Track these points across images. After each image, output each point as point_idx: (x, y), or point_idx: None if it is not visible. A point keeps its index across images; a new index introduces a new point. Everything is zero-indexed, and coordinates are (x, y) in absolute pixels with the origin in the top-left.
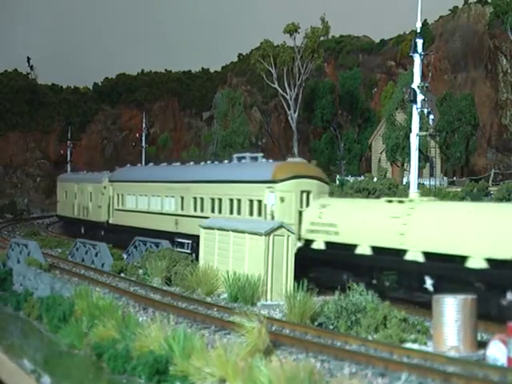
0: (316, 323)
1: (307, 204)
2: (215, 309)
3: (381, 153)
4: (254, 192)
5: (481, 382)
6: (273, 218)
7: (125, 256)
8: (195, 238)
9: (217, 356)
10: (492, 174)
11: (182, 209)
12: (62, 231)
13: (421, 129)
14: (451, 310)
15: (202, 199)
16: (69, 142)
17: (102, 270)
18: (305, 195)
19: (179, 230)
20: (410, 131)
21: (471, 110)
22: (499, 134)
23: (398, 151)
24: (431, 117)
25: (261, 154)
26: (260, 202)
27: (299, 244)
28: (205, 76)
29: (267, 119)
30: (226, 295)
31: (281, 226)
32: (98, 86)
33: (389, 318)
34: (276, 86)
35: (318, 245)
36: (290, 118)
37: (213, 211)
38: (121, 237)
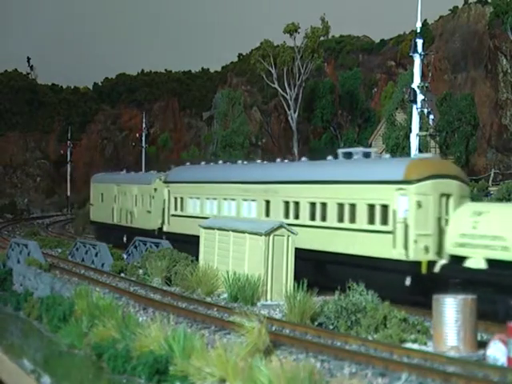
0: (316, 323)
1: (446, 210)
2: (215, 309)
3: (381, 153)
4: (377, 195)
5: (481, 381)
6: (406, 227)
7: (125, 256)
8: None
9: (217, 356)
10: (492, 174)
11: (267, 215)
12: (97, 239)
13: (421, 129)
14: (451, 310)
15: (296, 204)
16: (69, 141)
17: (102, 270)
18: (444, 199)
19: None
20: (410, 131)
21: (471, 110)
22: (499, 134)
23: (398, 151)
24: (431, 117)
25: (374, 149)
26: (386, 207)
27: (442, 261)
28: (205, 76)
29: (267, 119)
30: (225, 295)
31: (281, 226)
32: (98, 86)
33: (389, 317)
34: (276, 86)
35: (477, 263)
36: (289, 118)
37: (312, 218)
38: (178, 247)
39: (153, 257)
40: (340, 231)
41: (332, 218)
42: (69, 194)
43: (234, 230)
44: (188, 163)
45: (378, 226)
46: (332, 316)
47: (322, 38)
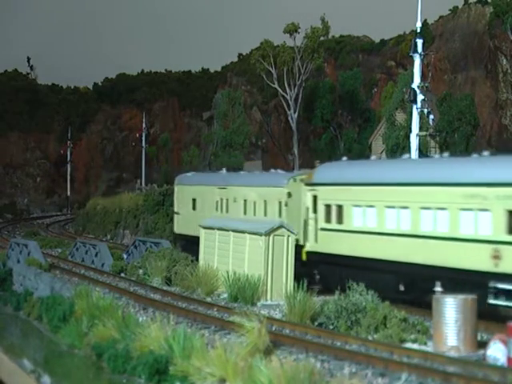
0: (316, 323)
1: None
2: (215, 309)
3: (381, 153)
4: None
5: (481, 382)
6: None
7: (125, 256)
8: None
9: (217, 356)
10: None
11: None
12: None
13: (421, 129)
14: (451, 310)
15: None
16: (69, 141)
17: (102, 270)
18: None
19: (503, 268)
20: (410, 131)
21: (471, 110)
22: (499, 134)
23: (398, 151)
24: (431, 117)
25: None
26: None
27: None
28: (205, 76)
29: (267, 119)
30: (226, 295)
31: (281, 226)
32: (98, 86)
33: (389, 317)
34: (276, 86)
35: None
36: (289, 118)
37: None
38: (331, 272)
39: (153, 257)
40: None
41: None
42: (69, 193)
43: (234, 230)
44: (345, 158)
45: None
46: (332, 316)
47: (322, 38)
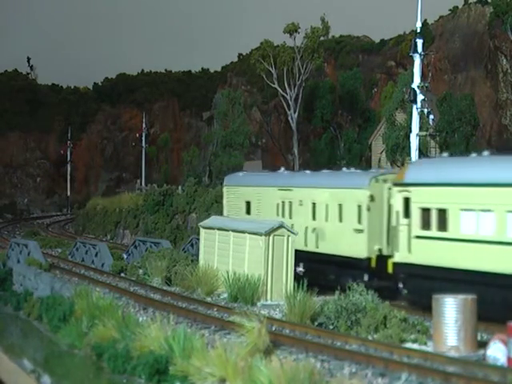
0: (316, 323)
1: None
2: (215, 309)
3: (381, 153)
4: None
5: (481, 381)
6: None
7: (125, 256)
8: None
9: (217, 356)
10: None
11: None
12: None
13: (421, 129)
14: (451, 310)
15: None
16: (69, 142)
17: (102, 270)
18: None
19: None
20: (410, 131)
21: (471, 110)
22: (499, 134)
23: (398, 151)
24: (431, 117)
25: None
26: None
27: None
28: (205, 76)
29: (267, 119)
30: (226, 295)
31: (281, 226)
32: (98, 86)
33: (389, 317)
34: (276, 86)
35: None
36: (289, 118)
37: None
38: (426, 287)
39: (153, 257)
40: None
41: None
42: (69, 193)
43: (234, 230)
44: (445, 154)
45: None
46: (332, 316)
47: (322, 38)
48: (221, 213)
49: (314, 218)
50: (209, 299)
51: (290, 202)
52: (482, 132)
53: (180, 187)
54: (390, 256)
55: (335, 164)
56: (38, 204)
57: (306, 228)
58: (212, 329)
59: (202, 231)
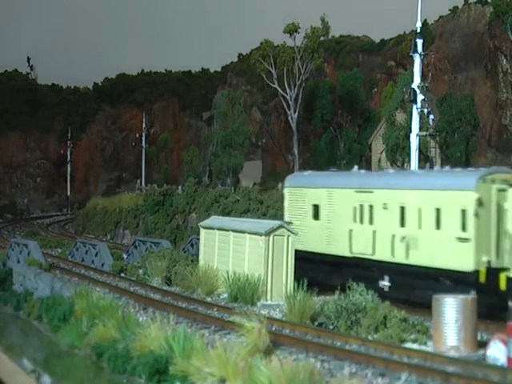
0: (316, 323)
1: None
2: (215, 309)
3: (381, 153)
4: None
5: (481, 381)
6: None
7: (125, 256)
8: None
9: (217, 356)
10: None
11: None
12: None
13: (421, 129)
14: (451, 310)
15: None
16: (69, 141)
17: (102, 270)
18: None
19: None
20: (410, 131)
21: (471, 110)
22: (499, 134)
23: (398, 151)
24: (431, 117)
25: None
26: None
27: None
28: (205, 76)
29: (267, 119)
30: (226, 295)
31: (281, 226)
32: (98, 86)
33: (389, 317)
34: (276, 86)
35: None
36: (289, 118)
37: None
38: None
39: (153, 257)
40: None
41: None
42: (69, 193)
43: (234, 230)
44: None
45: None
46: (332, 316)
47: (322, 38)
48: (221, 213)
49: (402, 224)
50: (209, 299)
51: (371, 206)
52: (482, 132)
53: (180, 187)
54: (502, 269)
55: (335, 164)
56: (38, 204)
57: (393, 236)
58: (212, 329)
59: (202, 231)
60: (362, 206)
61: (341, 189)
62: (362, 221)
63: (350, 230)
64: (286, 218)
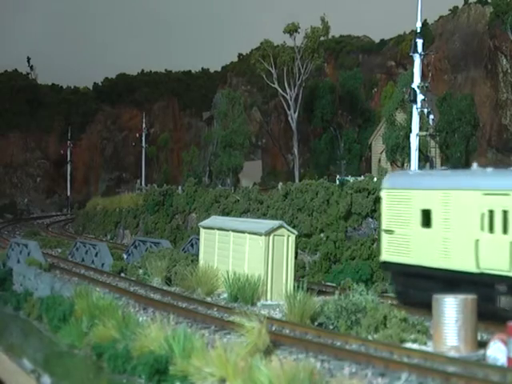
0: (316, 323)
1: None
2: (215, 309)
3: (381, 153)
4: None
5: (481, 381)
6: None
7: (125, 256)
8: None
9: (217, 356)
10: None
11: None
12: (405, 297)
13: (421, 129)
14: (451, 309)
15: None
16: (69, 141)
17: (102, 270)
18: None
19: None
20: (410, 131)
21: (471, 110)
22: (499, 134)
23: (398, 151)
24: (431, 117)
25: None
26: None
27: None
28: (205, 76)
29: (267, 119)
30: (226, 295)
31: (281, 226)
32: (98, 86)
33: (389, 317)
34: (276, 86)
35: None
36: (290, 118)
37: None
38: None
39: (153, 257)
40: None
41: None
42: (69, 193)
43: (234, 230)
44: None
45: None
46: (332, 316)
47: (322, 38)
48: (221, 213)
49: None
50: (209, 299)
51: (505, 212)
52: (482, 132)
53: (180, 187)
54: None
55: (335, 164)
56: (38, 204)
57: None
58: (212, 329)
59: (202, 231)
60: (491, 212)
61: (462, 190)
62: (492, 229)
63: (477, 241)
64: (384, 226)
